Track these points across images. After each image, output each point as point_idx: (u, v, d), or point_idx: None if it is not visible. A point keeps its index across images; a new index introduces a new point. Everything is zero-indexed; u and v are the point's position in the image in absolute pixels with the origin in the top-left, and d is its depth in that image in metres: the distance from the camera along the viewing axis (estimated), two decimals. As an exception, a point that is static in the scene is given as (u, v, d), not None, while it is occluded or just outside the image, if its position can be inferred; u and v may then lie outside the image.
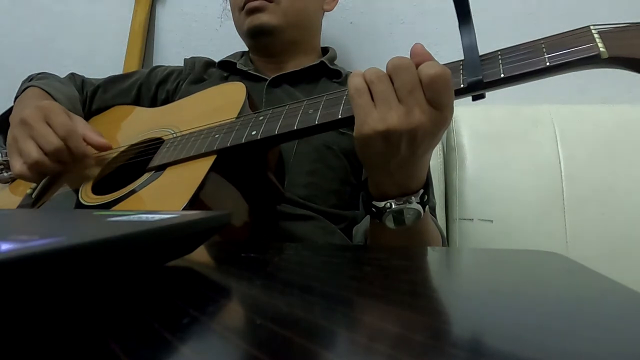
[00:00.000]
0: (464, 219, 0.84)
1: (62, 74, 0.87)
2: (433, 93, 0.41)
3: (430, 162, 0.74)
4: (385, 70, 0.43)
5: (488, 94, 0.44)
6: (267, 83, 0.77)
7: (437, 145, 0.90)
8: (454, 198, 0.86)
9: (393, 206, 0.46)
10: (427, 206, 0.48)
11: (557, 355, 0.14)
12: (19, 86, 0.80)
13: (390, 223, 0.47)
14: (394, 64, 0.42)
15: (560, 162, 0.83)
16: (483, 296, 0.22)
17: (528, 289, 0.24)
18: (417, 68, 0.42)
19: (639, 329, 0.17)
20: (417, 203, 0.47)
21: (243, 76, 0.79)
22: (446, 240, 0.69)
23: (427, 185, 0.48)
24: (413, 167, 0.45)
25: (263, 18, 0.77)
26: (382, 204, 0.47)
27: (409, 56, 0.43)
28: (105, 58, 1.14)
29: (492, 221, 0.82)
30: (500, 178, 0.84)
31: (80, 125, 0.63)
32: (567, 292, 0.23)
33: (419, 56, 0.43)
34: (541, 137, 0.85)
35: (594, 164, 0.82)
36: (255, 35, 0.79)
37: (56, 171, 0.61)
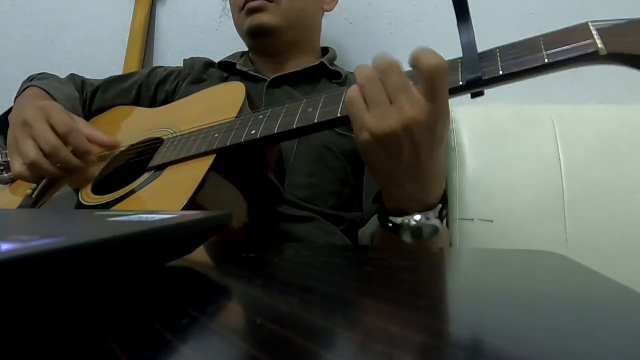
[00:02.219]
0: (464, 219, 0.84)
1: (62, 74, 0.87)
2: (429, 83, 0.40)
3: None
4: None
5: (488, 93, 0.44)
6: (266, 83, 0.77)
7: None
8: (454, 198, 0.86)
9: (411, 223, 0.45)
10: (445, 219, 0.47)
11: (557, 355, 0.14)
12: (19, 86, 0.80)
13: (407, 238, 0.46)
14: (379, 68, 0.42)
15: (560, 162, 0.83)
16: (483, 296, 0.22)
17: (528, 289, 0.24)
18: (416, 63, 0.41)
19: (639, 329, 0.17)
20: (436, 218, 0.45)
21: (243, 77, 0.79)
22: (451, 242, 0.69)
23: (445, 198, 0.47)
24: (423, 175, 0.44)
25: (263, 18, 0.77)
26: (399, 220, 0.45)
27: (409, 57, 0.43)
28: (105, 58, 1.14)
29: (492, 221, 0.82)
30: (500, 178, 0.84)
31: (82, 124, 0.63)
32: (567, 292, 0.23)
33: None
34: (541, 137, 0.85)
35: (594, 164, 0.82)
36: (255, 35, 0.79)
37: (55, 174, 0.61)
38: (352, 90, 0.43)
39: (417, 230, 0.45)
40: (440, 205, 0.46)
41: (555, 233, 0.80)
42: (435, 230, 0.46)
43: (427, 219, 0.45)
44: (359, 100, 0.42)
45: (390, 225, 0.47)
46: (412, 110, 0.40)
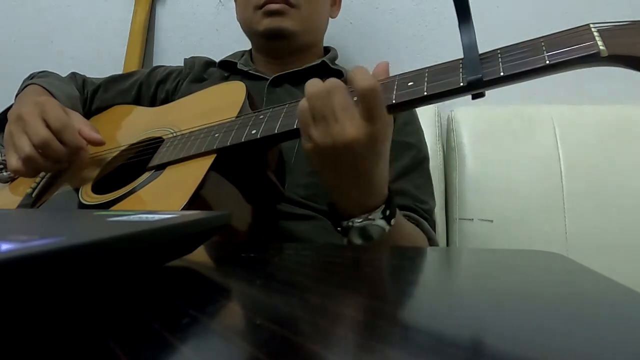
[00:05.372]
0: (464, 219, 0.84)
1: (63, 74, 0.87)
2: (364, 105, 0.42)
3: (430, 162, 0.74)
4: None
5: (488, 93, 0.44)
6: (268, 82, 0.77)
7: (437, 145, 0.90)
8: (454, 198, 0.86)
9: (354, 224, 0.47)
10: (393, 219, 0.48)
11: (557, 356, 0.14)
12: (19, 86, 0.80)
13: (357, 240, 0.48)
14: (328, 86, 0.44)
15: (560, 162, 0.83)
16: (483, 296, 0.22)
17: (528, 289, 0.24)
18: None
19: (639, 329, 0.17)
20: (381, 219, 0.47)
21: (244, 76, 0.79)
22: (437, 242, 0.68)
23: (390, 200, 0.48)
24: (365, 184, 0.46)
25: (284, 23, 0.76)
26: (344, 223, 0.48)
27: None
28: (105, 58, 1.14)
29: (492, 221, 0.82)
30: (500, 178, 0.84)
31: (77, 120, 0.63)
32: (567, 292, 0.23)
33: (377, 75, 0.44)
34: (541, 137, 0.85)
35: (593, 163, 0.82)
36: (271, 38, 0.78)
37: (51, 168, 0.61)
38: (302, 101, 0.45)
39: (363, 231, 0.47)
40: (383, 206, 0.47)
41: (555, 233, 0.80)
42: (382, 230, 0.47)
43: (371, 220, 0.47)
44: (307, 112, 0.44)
45: (339, 229, 0.49)
46: (352, 129, 0.42)
